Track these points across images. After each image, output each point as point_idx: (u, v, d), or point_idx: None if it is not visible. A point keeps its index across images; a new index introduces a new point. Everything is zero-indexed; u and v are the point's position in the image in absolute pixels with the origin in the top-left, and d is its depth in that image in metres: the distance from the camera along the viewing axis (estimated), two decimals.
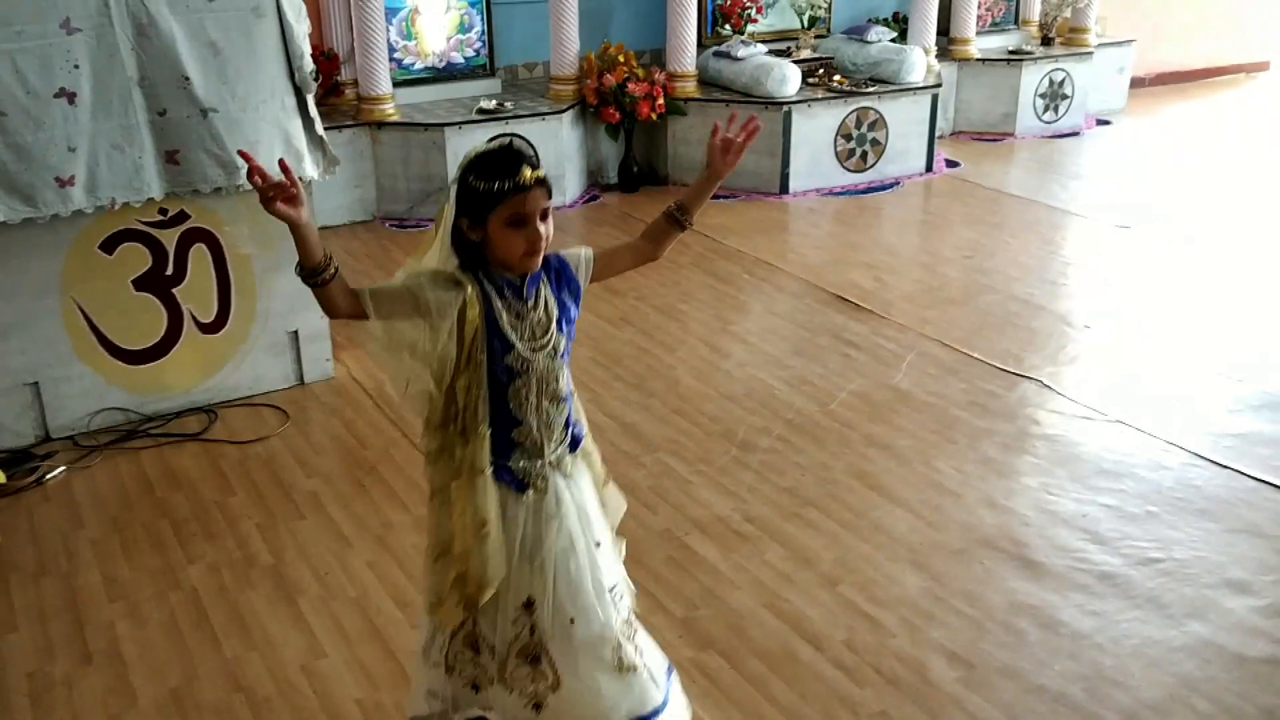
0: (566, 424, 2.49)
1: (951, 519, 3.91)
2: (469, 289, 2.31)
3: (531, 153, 2.33)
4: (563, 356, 2.44)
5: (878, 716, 3.00)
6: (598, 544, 2.52)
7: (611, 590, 2.53)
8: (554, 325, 2.41)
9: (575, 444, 2.53)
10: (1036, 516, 3.92)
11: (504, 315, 2.36)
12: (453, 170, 7.42)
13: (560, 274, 2.47)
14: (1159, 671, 3.16)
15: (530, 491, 2.44)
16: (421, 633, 2.63)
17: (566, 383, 2.48)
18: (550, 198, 2.33)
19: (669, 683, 2.66)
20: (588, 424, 2.62)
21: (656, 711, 2.56)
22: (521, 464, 2.44)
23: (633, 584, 2.65)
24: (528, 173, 2.28)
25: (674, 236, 2.56)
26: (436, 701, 2.61)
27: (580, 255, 2.51)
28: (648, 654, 2.61)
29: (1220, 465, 4.22)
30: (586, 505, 2.53)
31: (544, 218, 2.30)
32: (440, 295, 2.30)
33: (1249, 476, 4.14)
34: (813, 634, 3.32)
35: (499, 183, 2.25)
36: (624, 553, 2.70)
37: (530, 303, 2.39)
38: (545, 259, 2.42)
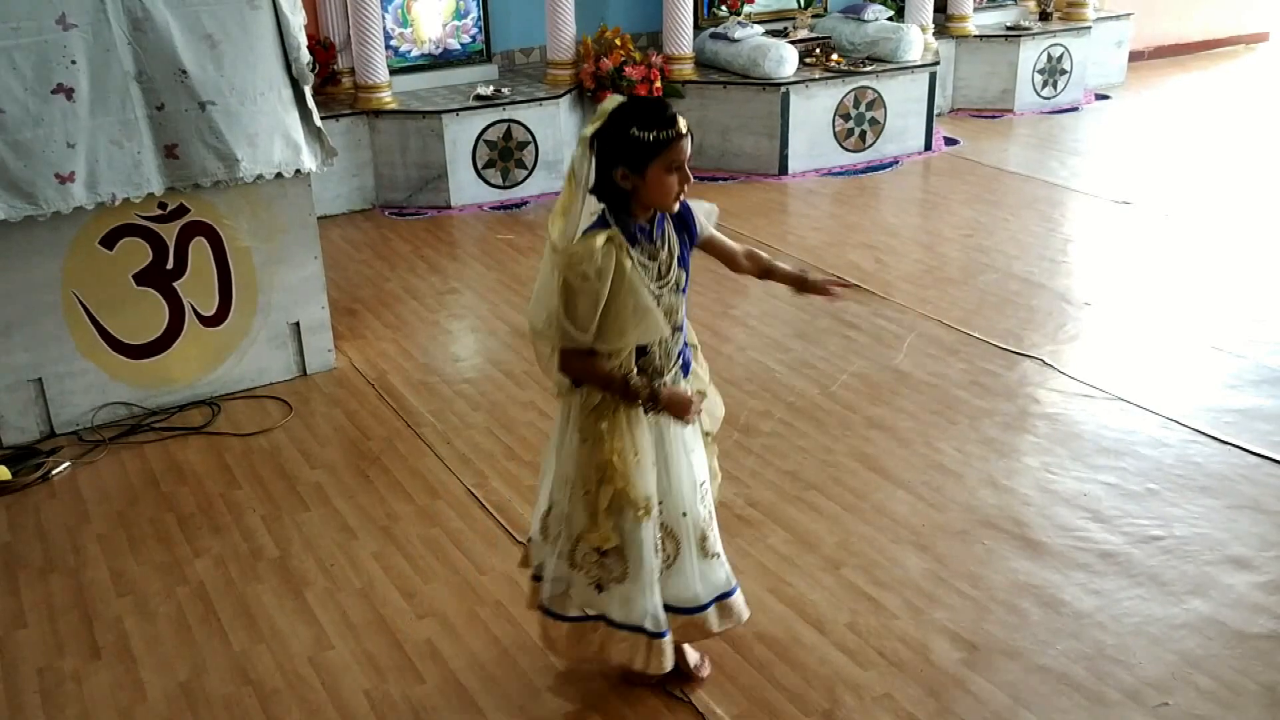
0: (680, 351, 2.81)
1: (953, 500, 3.93)
2: (620, 244, 2.58)
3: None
4: (683, 291, 2.76)
5: (882, 699, 3.03)
6: (691, 450, 2.87)
7: (700, 485, 2.90)
8: (675, 262, 2.72)
9: (686, 368, 2.86)
10: (1037, 496, 3.93)
11: (636, 258, 2.62)
12: (452, 156, 7.38)
13: (683, 218, 2.77)
14: (1160, 649, 3.18)
15: (651, 413, 2.74)
16: (560, 542, 2.88)
17: (684, 314, 2.81)
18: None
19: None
20: (698, 344, 2.98)
21: (730, 593, 2.98)
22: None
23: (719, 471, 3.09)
24: (683, 123, 2.58)
25: (778, 282, 3.09)
26: (561, 584, 2.91)
27: (706, 206, 2.89)
28: (722, 545, 3.01)
29: (1221, 441, 4.24)
30: None
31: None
32: (606, 274, 2.55)
33: (1249, 452, 4.16)
34: (816, 618, 3.35)
35: (662, 132, 2.54)
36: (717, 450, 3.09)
37: (659, 243, 2.70)
38: None
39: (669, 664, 2.92)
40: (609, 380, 2.66)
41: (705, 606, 2.93)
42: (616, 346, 2.62)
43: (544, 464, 3.01)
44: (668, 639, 2.90)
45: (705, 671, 3.11)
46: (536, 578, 3.02)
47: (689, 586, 2.91)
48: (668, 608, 2.90)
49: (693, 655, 3.12)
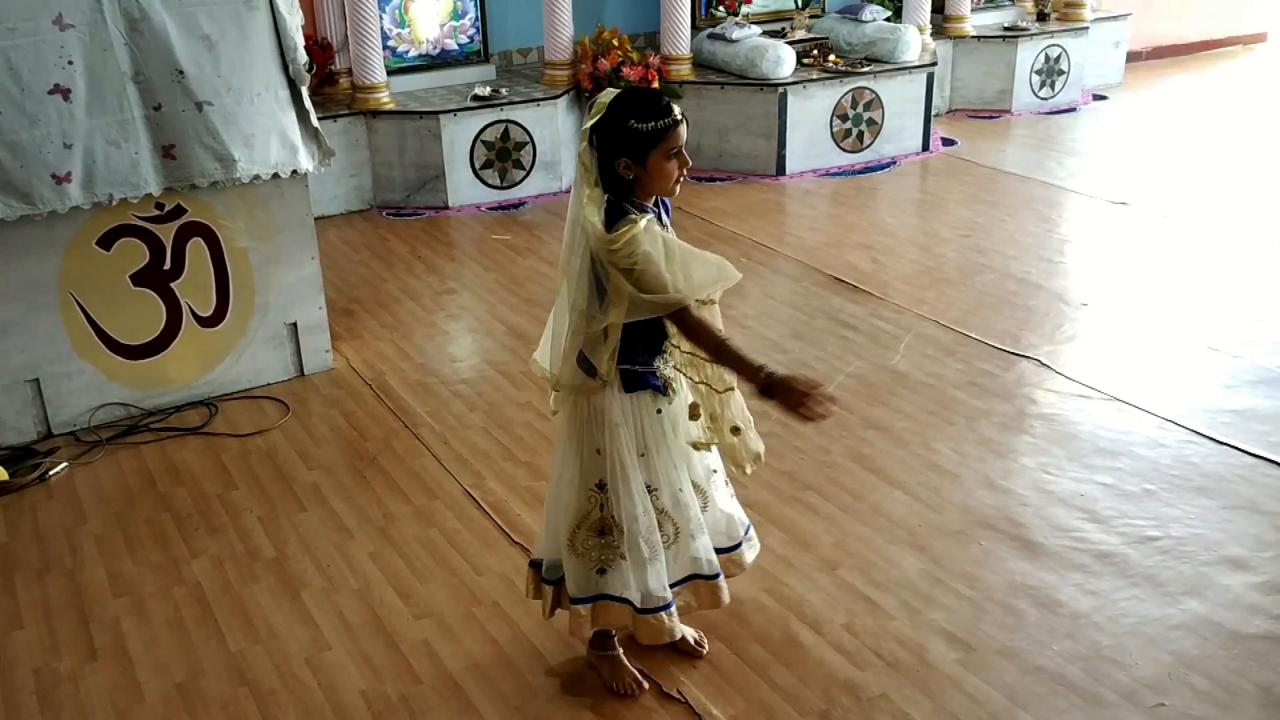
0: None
1: (950, 500, 3.93)
2: (652, 221, 2.65)
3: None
4: None
5: (878, 699, 3.03)
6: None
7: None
8: None
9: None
10: (1034, 496, 3.94)
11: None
12: (449, 156, 7.36)
13: (665, 205, 2.86)
14: (1157, 650, 3.18)
15: (670, 393, 2.89)
16: (621, 545, 2.92)
17: None
18: None
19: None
20: None
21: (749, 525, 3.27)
22: (663, 371, 2.87)
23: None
24: (677, 109, 2.66)
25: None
26: (654, 599, 2.97)
27: None
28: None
29: (1217, 442, 4.24)
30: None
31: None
32: (657, 240, 2.64)
33: (1246, 453, 4.16)
34: (813, 618, 3.35)
35: (660, 122, 2.62)
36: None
37: (668, 228, 2.79)
38: None
39: (726, 599, 3.08)
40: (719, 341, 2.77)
41: (741, 542, 3.17)
42: (705, 295, 2.73)
43: (557, 483, 2.96)
44: (722, 578, 3.06)
45: (705, 649, 3.19)
46: (614, 597, 2.97)
47: (728, 521, 3.15)
48: (715, 550, 3.07)
49: (691, 632, 3.17)
